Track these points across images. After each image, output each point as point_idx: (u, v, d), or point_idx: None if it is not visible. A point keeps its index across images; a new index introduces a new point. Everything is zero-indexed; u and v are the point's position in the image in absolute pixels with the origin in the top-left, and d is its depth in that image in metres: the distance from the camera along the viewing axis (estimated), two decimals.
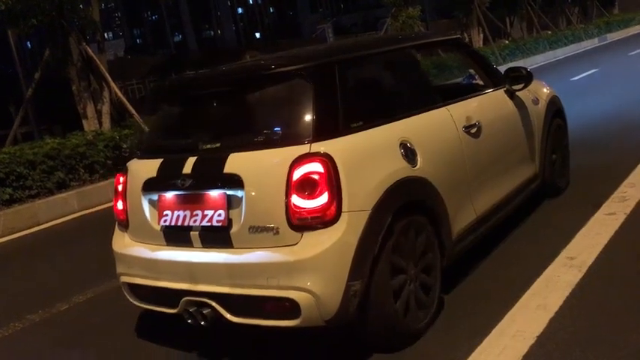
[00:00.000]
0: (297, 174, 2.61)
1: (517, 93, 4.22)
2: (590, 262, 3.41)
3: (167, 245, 3.02)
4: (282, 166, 2.64)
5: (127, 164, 3.37)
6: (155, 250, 3.06)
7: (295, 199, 2.60)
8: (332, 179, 2.60)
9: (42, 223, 7.22)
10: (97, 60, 9.94)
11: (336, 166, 2.62)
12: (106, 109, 10.07)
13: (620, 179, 4.84)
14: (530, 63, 22.70)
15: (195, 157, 2.91)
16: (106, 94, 10.09)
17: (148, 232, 3.09)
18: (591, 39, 30.07)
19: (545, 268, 3.41)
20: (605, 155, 5.98)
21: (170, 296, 2.94)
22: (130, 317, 3.80)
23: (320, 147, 2.66)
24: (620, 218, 4.01)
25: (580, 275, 3.26)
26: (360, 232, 2.62)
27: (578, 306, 2.95)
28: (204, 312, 2.79)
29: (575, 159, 5.29)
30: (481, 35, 25.13)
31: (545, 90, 4.81)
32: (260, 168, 2.75)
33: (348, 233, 2.60)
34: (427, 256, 3.01)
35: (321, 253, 2.57)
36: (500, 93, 4.15)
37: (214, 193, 2.82)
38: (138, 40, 72.17)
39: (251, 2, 75.95)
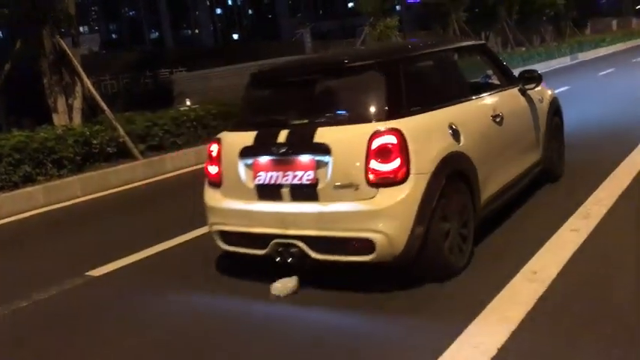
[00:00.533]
0: (375, 144, 3.34)
1: (527, 92, 5.00)
2: (552, 276, 3.47)
3: (259, 200, 3.67)
4: (363, 137, 3.37)
5: (220, 135, 4.02)
6: (248, 203, 3.70)
7: (373, 164, 3.34)
8: (403, 148, 3.32)
9: (4, 217, 7.05)
10: (71, 54, 9.75)
11: (405, 139, 3.34)
12: (77, 104, 9.88)
13: (590, 192, 5.00)
14: None
15: (288, 130, 3.59)
16: (78, 88, 9.90)
17: (242, 189, 3.73)
18: (563, 57, 30.70)
19: (509, 280, 3.46)
20: (575, 168, 6.10)
21: (260, 240, 3.63)
22: (97, 313, 3.76)
23: (392, 124, 3.40)
24: (583, 235, 4.09)
25: (542, 289, 3.31)
26: (423, 190, 3.36)
27: (539, 320, 3.00)
28: (291, 251, 3.49)
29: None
30: None
31: (548, 92, 5.65)
32: (344, 139, 3.47)
33: (414, 190, 3.34)
34: (465, 214, 3.75)
35: (393, 204, 3.31)
36: (515, 91, 4.93)
37: (305, 158, 3.50)
38: (114, 35, 71.24)
39: (230, 3, 75.63)
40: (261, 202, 3.66)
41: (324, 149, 3.41)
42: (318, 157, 3.44)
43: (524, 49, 29.59)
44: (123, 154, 9.12)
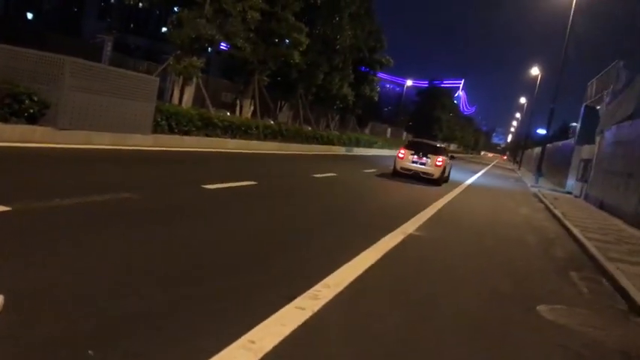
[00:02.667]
0: (439, 159, 20.41)
1: (451, 159, 24.37)
2: (268, 349, 3.60)
3: (411, 164, 20.37)
4: (438, 158, 20.42)
5: (403, 148, 21.04)
6: (409, 164, 20.37)
7: (437, 162, 20.28)
8: (443, 162, 20.60)
9: None
10: None
11: (444, 160, 20.79)
12: None
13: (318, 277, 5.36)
14: (286, 149, 24.33)
15: (421, 153, 20.45)
16: None
17: (409, 161, 20.43)
18: (340, 147, 33.58)
19: (224, 347, 3.50)
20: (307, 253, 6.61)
21: (410, 170, 20.34)
22: None
23: (442, 158, 20.75)
24: (307, 314, 4.35)
25: (255, 359, 3.42)
26: (443, 169, 20.63)
27: None
28: (419, 174, 20.17)
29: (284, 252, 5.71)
30: (252, 108, 26.29)
31: (450, 161, 23.53)
32: (434, 158, 20.39)
33: (443, 168, 20.59)
34: (446, 174, 21.95)
35: (439, 169, 20.28)
36: (449, 158, 22.95)
37: (424, 159, 20.34)
38: None
39: None
40: (412, 164, 20.18)
41: (429, 158, 20.14)
42: (427, 159, 20.12)
43: (310, 128, 31.72)
44: None
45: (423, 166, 20.13)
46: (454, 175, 25.70)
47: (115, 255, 4.99)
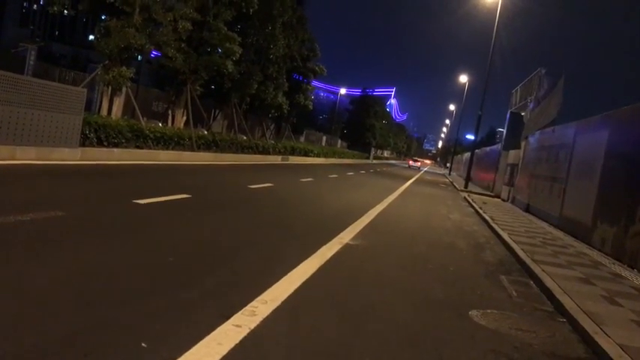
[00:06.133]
0: (419, 162, 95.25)
1: (420, 163, 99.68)
2: None
3: (413, 163, 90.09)
4: (418, 162, 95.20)
5: (409, 159, 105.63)
6: (413, 164, 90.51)
7: (419, 163, 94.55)
8: (422, 162, 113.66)
9: None
10: None
11: (422, 162, 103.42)
12: None
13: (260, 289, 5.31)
14: (221, 159, 24.07)
15: (415, 160, 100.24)
16: None
17: (413, 164, 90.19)
18: (276, 155, 33.52)
19: None
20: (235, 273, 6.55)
21: (413, 165, 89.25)
22: None
23: (422, 161, 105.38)
24: (245, 331, 4.29)
25: None
26: (420, 164, 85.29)
27: None
28: (416, 166, 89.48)
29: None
30: (184, 118, 25.85)
31: (420, 163, 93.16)
32: (417, 161, 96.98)
33: (421, 164, 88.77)
34: (421, 166, 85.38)
35: (420, 165, 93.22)
36: (422, 162, 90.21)
37: (416, 162, 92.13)
38: None
39: None
40: (413, 164, 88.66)
41: (417, 161, 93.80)
42: (417, 162, 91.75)
43: (245, 138, 31.49)
44: None
45: (417, 164, 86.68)
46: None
47: (35, 276, 4.76)
